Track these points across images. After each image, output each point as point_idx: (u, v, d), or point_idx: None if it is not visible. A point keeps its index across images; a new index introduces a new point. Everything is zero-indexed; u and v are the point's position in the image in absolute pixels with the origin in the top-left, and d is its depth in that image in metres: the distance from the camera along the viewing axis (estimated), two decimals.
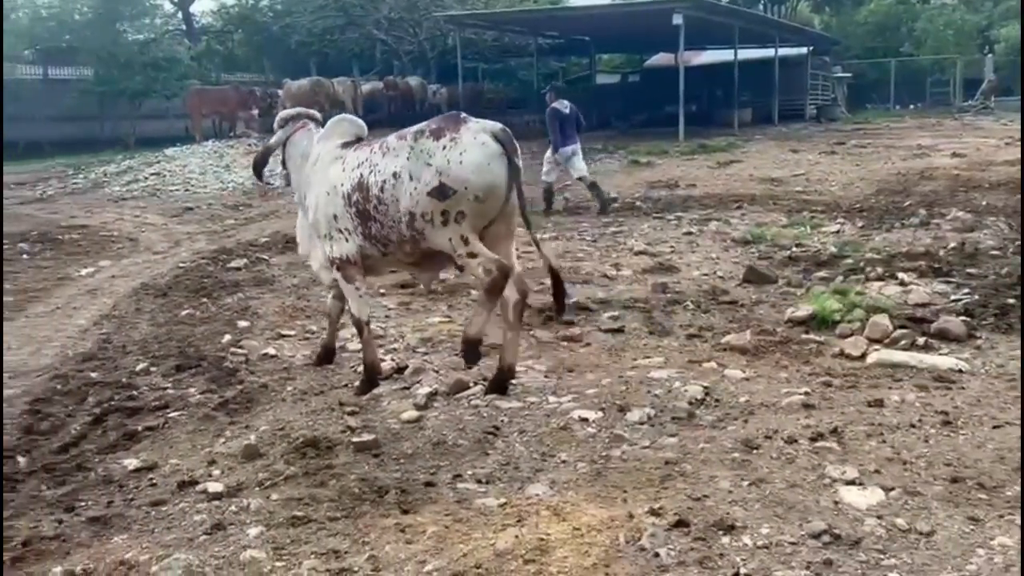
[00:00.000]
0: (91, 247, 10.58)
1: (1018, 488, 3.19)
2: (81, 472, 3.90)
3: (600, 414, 4.14)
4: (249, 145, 19.89)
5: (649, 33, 27.41)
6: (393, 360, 5.29)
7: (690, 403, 4.24)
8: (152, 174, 17.83)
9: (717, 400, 4.31)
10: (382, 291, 7.30)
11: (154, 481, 3.76)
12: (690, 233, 9.48)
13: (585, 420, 4.07)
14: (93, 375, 5.30)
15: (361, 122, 5.19)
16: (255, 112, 22.42)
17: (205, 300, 7.18)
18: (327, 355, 5.45)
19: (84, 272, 8.80)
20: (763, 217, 10.28)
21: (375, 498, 3.41)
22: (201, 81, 31.51)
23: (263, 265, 8.71)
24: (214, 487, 3.59)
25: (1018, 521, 2.95)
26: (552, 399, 4.44)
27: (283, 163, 5.44)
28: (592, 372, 4.91)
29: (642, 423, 4.01)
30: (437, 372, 5.05)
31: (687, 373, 4.75)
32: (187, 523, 3.32)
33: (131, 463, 3.94)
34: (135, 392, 4.96)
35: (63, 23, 32.79)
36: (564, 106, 11.67)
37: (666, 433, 3.89)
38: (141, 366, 5.41)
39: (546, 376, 4.89)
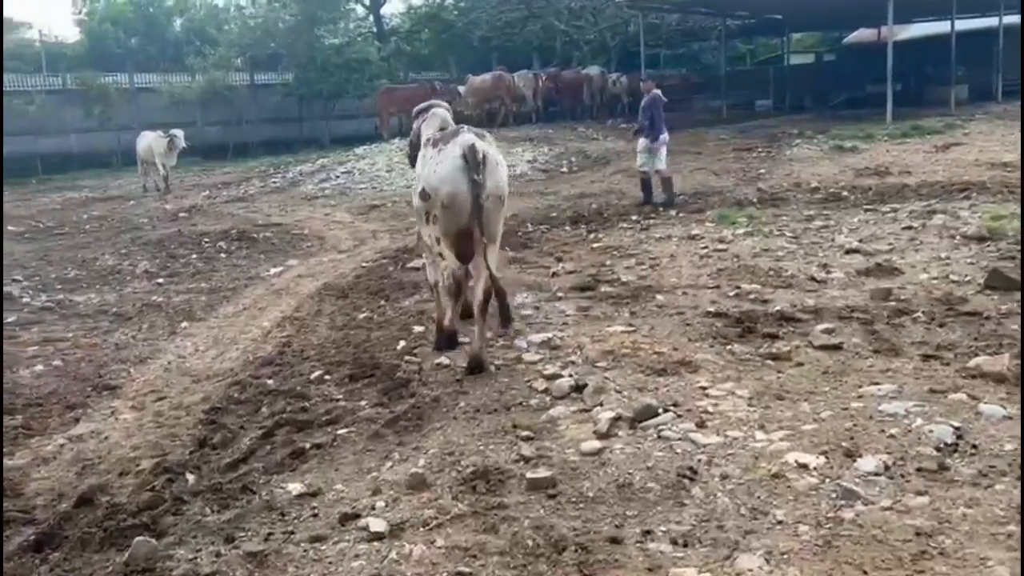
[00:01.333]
0: (283, 245, 10.89)
1: None
2: (246, 495, 3.70)
3: (822, 459, 3.42)
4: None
5: (849, 8, 25.26)
6: (572, 376, 4.79)
7: (938, 449, 3.43)
8: (343, 172, 18.43)
9: (974, 446, 3.46)
10: (559, 294, 6.84)
11: (316, 511, 3.48)
12: (910, 228, 8.29)
13: (804, 467, 3.37)
14: (270, 382, 5.20)
15: (446, 114, 5.90)
16: None
17: (383, 303, 7.03)
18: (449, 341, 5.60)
19: (273, 271, 8.98)
20: (999, 209, 8.85)
21: (551, 554, 2.93)
22: (390, 80, 32.64)
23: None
24: (376, 525, 3.24)
25: None
26: (759, 436, 3.76)
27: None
28: (807, 401, 4.16)
29: (878, 474, 3.26)
30: (620, 392, 4.49)
31: (929, 406, 3.90)
32: (344, 569, 2.99)
33: (295, 487, 3.69)
34: (307, 403, 4.78)
35: (268, 32, 34.95)
36: (661, 96, 11.83)
37: (912, 490, 3.13)
38: (316, 374, 5.24)
39: (750, 404, 4.20)
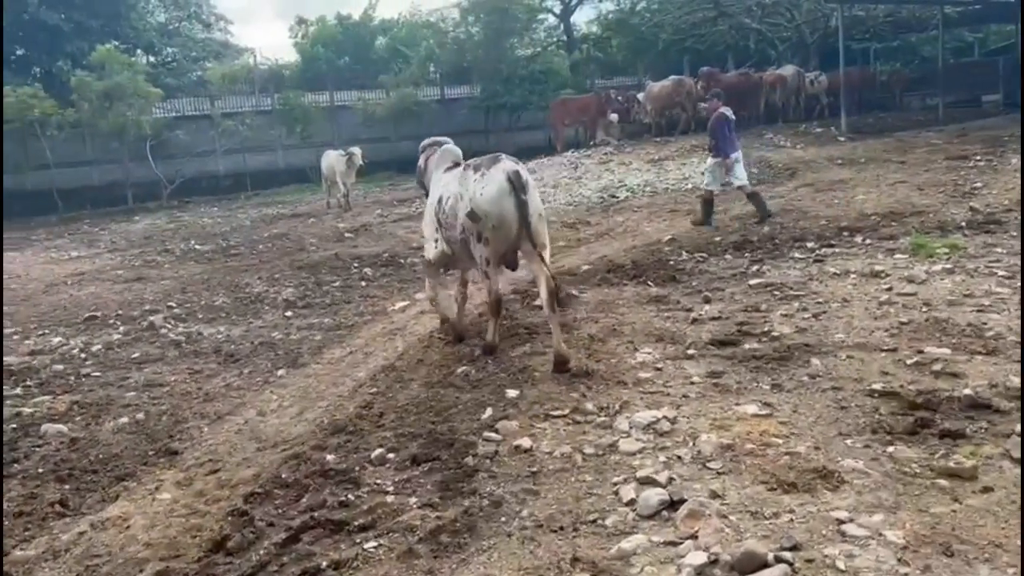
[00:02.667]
0: (423, 273, 10.43)
1: None
2: None
3: None
4: (604, 155, 19.22)
5: None
6: (669, 483, 3.74)
7: None
8: None
9: None
10: (692, 351, 5.73)
11: None
12: None
13: None
14: (329, 458, 4.56)
15: (458, 151, 6.69)
16: (613, 117, 21.72)
17: (487, 354, 6.23)
18: (457, 335, 6.59)
19: (398, 306, 8.48)
20: None
21: None
22: (576, 90, 32.06)
23: (570, 303, 7.59)
24: None
25: None
26: None
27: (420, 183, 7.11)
28: (988, 562, 2.88)
29: None
30: (725, 518, 3.40)
31: None
32: None
33: None
34: (354, 494, 4.07)
35: (458, 46, 35.55)
36: (730, 112, 11.48)
37: None
38: (378, 451, 4.53)
39: (900, 560, 2.97)
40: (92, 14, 39.75)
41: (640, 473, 3.90)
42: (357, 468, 4.40)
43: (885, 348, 5.38)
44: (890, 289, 6.74)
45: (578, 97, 26.24)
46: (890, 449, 3.90)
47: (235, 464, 4.66)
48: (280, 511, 4.01)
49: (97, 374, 6.92)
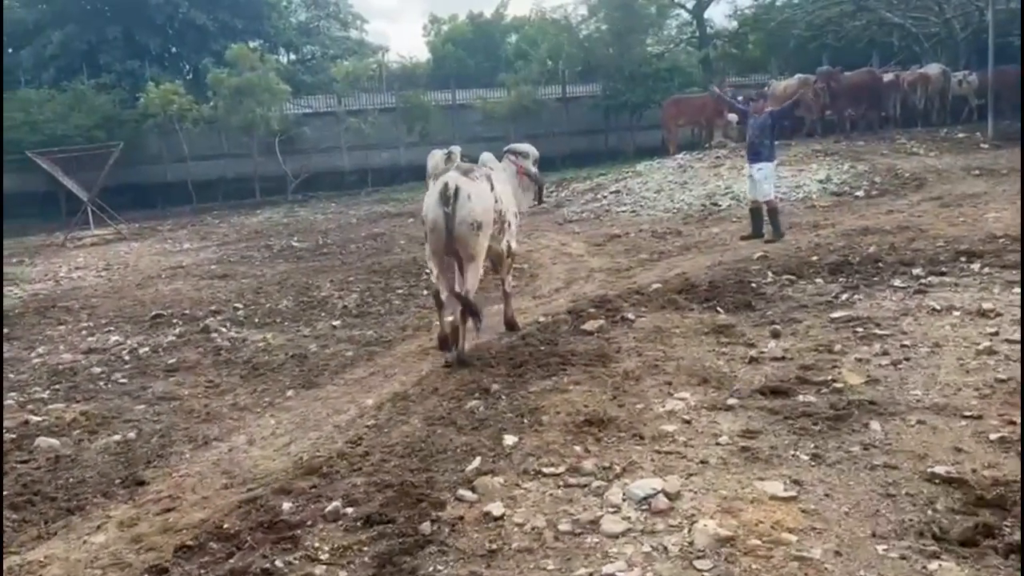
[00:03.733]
0: (485, 283, 9.89)
1: None
2: None
3: None
4: (717, 157, 18.05)
5: None
6: None
7: None
8: (612, 192, 17.17)
9: None
10: (734, 399, 4.90)
11: None
12: None
13: None
14: (285, 507, 4.07)
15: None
16: (732, 118, 20.39)
17: (506, 388, 5.59)
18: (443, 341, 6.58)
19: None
20: None
21: None
22: (700, 88, 30.68)
23: (621, 330, 6.84)
24: None
25: None
26: None
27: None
28: None
29: None
30: None
31: None
32: None
33: None
34: (281, 561, 3.55)
35: (585, 43, 34.85)
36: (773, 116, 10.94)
37: None
38: (335, 505, 4.00)
39: None
40: (236, 14, 41.64)
41: (607, 569, 3.19)
42: (307, 523, 3.89)
43: (968, 414, 4.37)
44: (995, 334, 5.61)
45: (693, 96, 24.97)
46: (933, 566, 3.01)
47: (191, 504, 4.26)
48: (202, 572, 3.55)
49: (123, 381, 6.78)
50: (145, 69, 36.87)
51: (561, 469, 4.18)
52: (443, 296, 6.33)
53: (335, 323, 8.39)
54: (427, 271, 6.86)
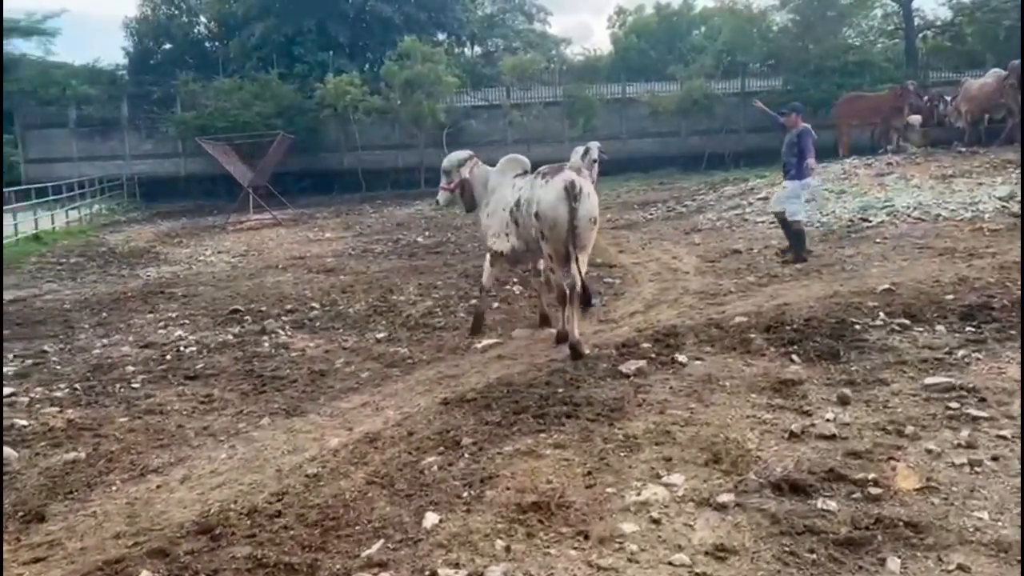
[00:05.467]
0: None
1: None
2: None
3: None
4: (888, 164, 15.91)
5: None
6: None
7: None
8: (759, 198, 15.60)
9: None
10: (726, 497, 3.79)
11: None
12: None
13: None
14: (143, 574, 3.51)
15: (525, 160, 7.34)
16: (914, 119, 17.94)
17: (487, 436, 4.76)
18: (478, 322, 7.61)
19: (482, 344, 7.20)
20: None
21: None
22: (895, 83, 27.67)
23: (662, 375, 5.76)
24: None
25: None
26: None
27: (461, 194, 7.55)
28: None
29: None
30: None
31: None
32: None
33: None
34: None
35: (762, 36, 32.59)
36: (812, 130, 10.05)
37: None
38: None
39: None
40: (421, 7, 42.65)
41: None
42: None
43: None
44: None
45: (870, 94, 22.36)
46: None
47: (63, 557, 3.80)
48: None
49: (136, 386, 6.57)
50: (333, 60, 38.56)
51: (462, 574, 3.32)
52: (574, 286, 6.44)
53: (380, 335, 7.86)
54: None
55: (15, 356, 8.00)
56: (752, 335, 6.62)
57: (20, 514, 4.21)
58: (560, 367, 6.20)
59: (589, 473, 4.17)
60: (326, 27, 40.49)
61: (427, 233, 17.50)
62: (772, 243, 11.35)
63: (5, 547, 3.90)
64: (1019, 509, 3.49)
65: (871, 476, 3.91)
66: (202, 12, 46.83)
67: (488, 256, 7.39)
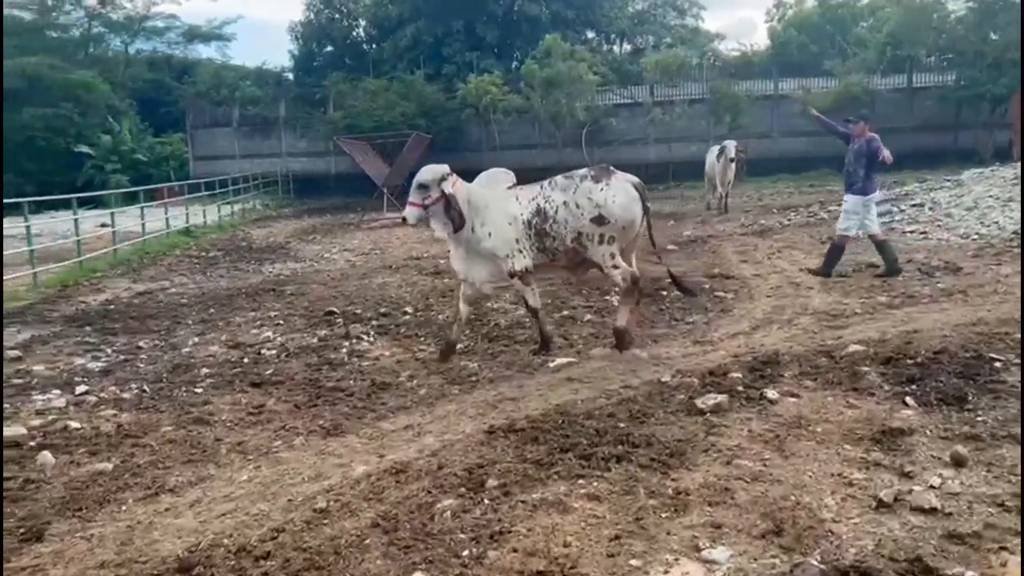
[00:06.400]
0: (686, 309, 8.28)
1: None
2: None
3: None
4: None
5: None
6: None
7: None
8: (914, 205, 14.06)
9: None
10: None
11: None
12: None
13: None
14: None
15: (510, 172, 7.04)
16: None
17: (519, 478, 4.18)
18: (448, 350, 6.97)
19: (555, 363, 6.59)
20: None
21: None
22: None
23: (745, 413, 4.96)
24: None
25: None
26: None
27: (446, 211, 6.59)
28: None
29: None
30: None
31: None
32: None
33: None
34: None
35: (933, 27, 29.82)
36: (879, 140, 9.26)
37: None
38: None
39: None
40: (569, 4, 42.22)
41: None
42: None
43: None
44: None
45: None
46: None
47: None
48: None
49: (198, 391, 6.46)
50: (480, 60, 38.82)
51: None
52: (637, 276, 6.64)
53: (462, 345, 7.42)
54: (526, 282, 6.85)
55: (113, 351, 8.18)
56: (865, 368, 5.67)
57: (22, 531, 4.05)
58: (631, 395, 5.53)
59: (617, 538, 3.52)
60: (474, 27, 40.84)
61: None
62: (916, 257, 10.05)
63: None
64: None
65: (970, 573, 3.04)
66: (360, 15, 48.50)
67: (516, 280, 6.70)
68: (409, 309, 9.37)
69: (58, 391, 6.67)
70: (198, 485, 4.55)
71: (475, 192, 6.74)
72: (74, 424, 5.63)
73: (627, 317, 6.68)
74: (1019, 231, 10.68)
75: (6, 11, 58.25)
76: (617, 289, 7.06)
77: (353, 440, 5.12)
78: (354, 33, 49.83)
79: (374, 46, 48.93)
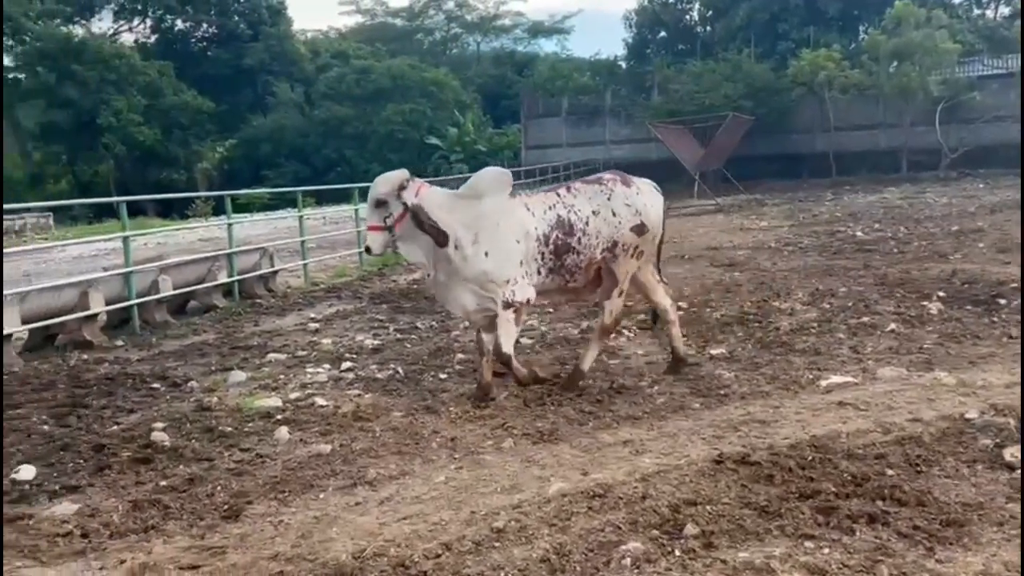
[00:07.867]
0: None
1: None
2: None
3: None
4: None
5: None
6: None
7: None
8: None
9: None
10: None
11: None
12: None
13: None
14: None
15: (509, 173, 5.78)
16: None
17: (718, 522, 3.37)
18: (483, 393, 5.58)
19: (838, 380, 5.46)
20: None
21: None
22: None
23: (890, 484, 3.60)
24: None
25: None
26: None
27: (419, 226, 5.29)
28: None
29: None
30: None
31: None
32: None
33: None
34: None
35: None
36: None
37: None
38: None
39: None
40: None
41: None
42: None
43: None
44: None
45: None
46: None
47: (209, 571, 3.57)
48: None
49: (443, 376, 6.36)
50: (819, 35, 35.97)
51: None
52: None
53: (719, 350, 6.57)
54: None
55: (395, 329, 8.53)
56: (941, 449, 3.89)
57: (225, 507, 4.14)
58: (916, 433, 4.34)
59: None
60: (815, 0, 37.90)
61: (876, 226, 15.04)
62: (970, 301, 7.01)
63: (186, 540, 3.83)
64: None
65: None
66: None
67: (505, 314, 5.42)
68: (684, 304, 8.61)
69: (328, 365, 7.01)
70: (396, 480, 4.36)
71: (460, 199, 5.46)
72: (320, 401, 5.81)
73: (593, 359, 5.93)
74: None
75: (384, 20, 66.37)
76: (598, 323, 6.01)
77: (564, 449, 4.61)
78: (687, 16, 48.92)
79: (707, 28, 47.56)
